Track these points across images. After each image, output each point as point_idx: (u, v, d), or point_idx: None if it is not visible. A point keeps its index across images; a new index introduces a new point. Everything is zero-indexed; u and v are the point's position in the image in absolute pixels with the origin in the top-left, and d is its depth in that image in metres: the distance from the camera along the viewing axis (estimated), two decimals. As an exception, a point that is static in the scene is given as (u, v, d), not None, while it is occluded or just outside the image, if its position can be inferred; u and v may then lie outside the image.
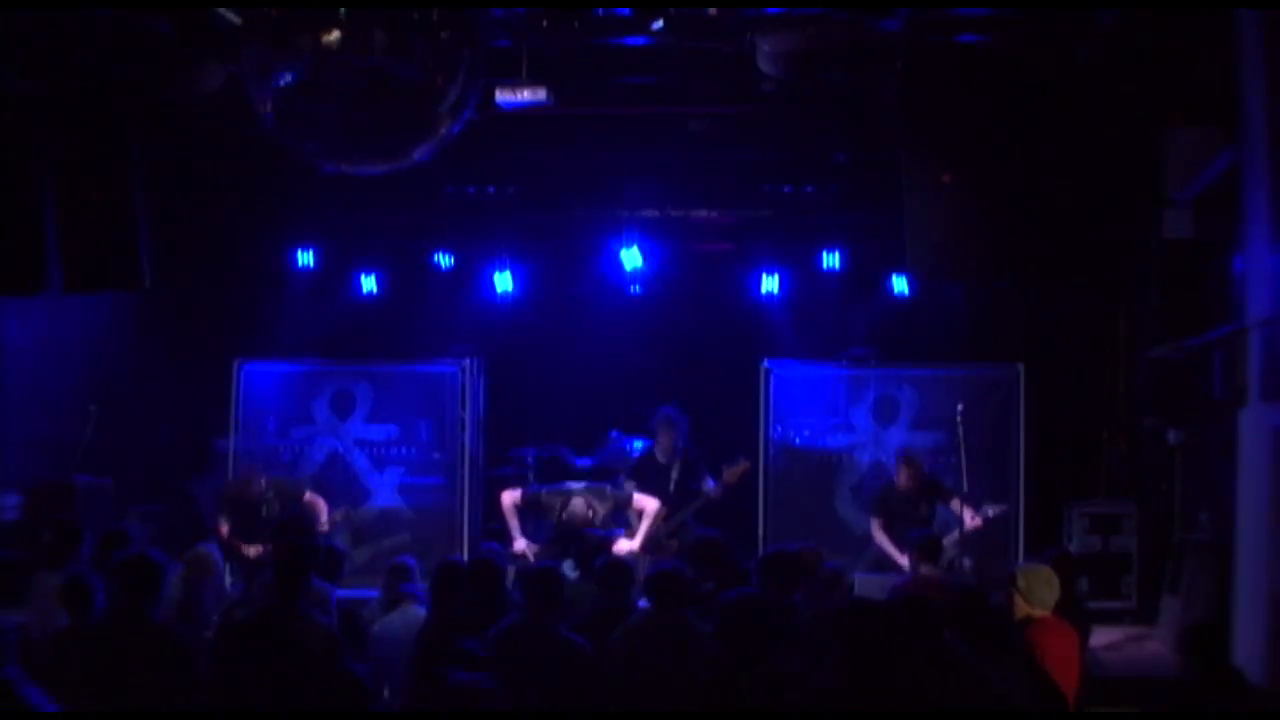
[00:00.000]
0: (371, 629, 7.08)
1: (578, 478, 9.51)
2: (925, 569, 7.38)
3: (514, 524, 9.25)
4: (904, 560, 9.04)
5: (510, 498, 9.32)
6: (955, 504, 9.17)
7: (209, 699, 5.80)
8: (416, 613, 6.95)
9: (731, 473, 9.81)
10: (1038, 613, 6.16)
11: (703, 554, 7.23)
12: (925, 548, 7.50)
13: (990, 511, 9.36)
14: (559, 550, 9.05)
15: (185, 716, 5.77)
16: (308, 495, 9.79)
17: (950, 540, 8.74)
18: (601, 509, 9.09)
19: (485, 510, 11.50)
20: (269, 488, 9.59)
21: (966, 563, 8.90)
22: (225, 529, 9.40)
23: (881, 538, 9.45)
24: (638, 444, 10.63)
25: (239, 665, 5.81)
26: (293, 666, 5.69)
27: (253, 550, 9.22)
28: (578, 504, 8.93)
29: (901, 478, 9.48)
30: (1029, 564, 7.01)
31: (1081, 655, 6.37)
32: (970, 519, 9.19)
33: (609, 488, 9.40)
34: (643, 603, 6.63)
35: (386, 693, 6.70)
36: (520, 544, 9.16)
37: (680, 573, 6.36)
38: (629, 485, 9.88)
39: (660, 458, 10.07)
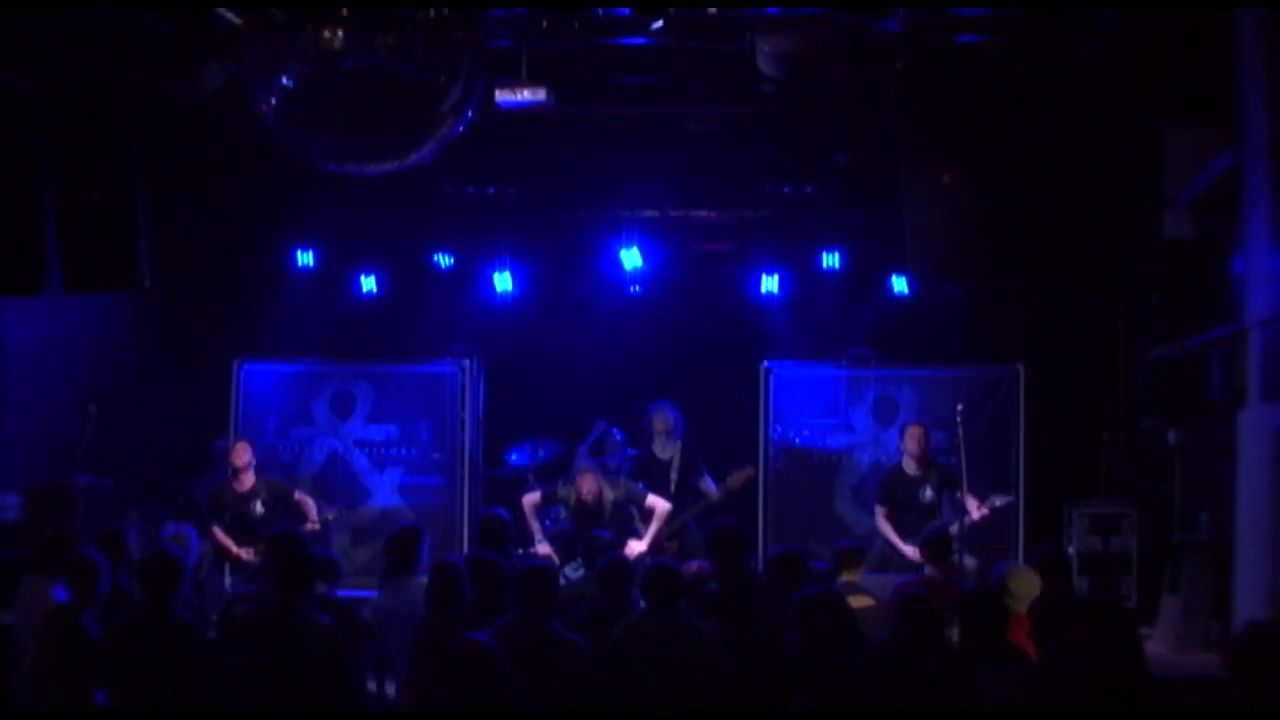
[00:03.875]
0: (377, 600, 7.14)
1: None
2: (931, 570, 7.35)
3: (535, 527, 9.40)
4: (907, 549, 9.12)
5: (530, 500, 9.48)
6: (960, 495, 9.20)
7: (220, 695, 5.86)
8: (421, 583, 6.98)
9: (735, 478, 9.85)
10: (1022, 609, 6.23)
11: (720, 542, 7.22)
12: (935, 547, 7.44)
13: (998, 501, 9.39)
14: (570, 550, 9.13)
15: (197, 716, 5.81)
16: (297, 494, 9.80)
17: (952, 531, 8.76)
18: (612, 493, 9.15)
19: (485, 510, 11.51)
20: (259, 487, 9.61)
21: (970, 562, 8.89)
22: (218, 531, 9.41)
23: (885, 526, 9.48)
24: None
25: (245, 661, 5.86)
26: (293, 667, 5.73)
27: (245, 553, 9.24)
28: (589, 479, 9.03)
29: (909, 444, 9.49)
30: (1013, 565, 7.07)
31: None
32: (977, 509, 9.20)
33: (622, 478, 9.46)
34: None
35: (391, 689, 6.72)
36: (544, 547, 9.27)
37: (675, 569, 6.38)
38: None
39: (659, 453, 10.10)
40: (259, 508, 9.54)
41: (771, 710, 5.84)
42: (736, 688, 5.99)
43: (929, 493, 9.43)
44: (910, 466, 9.53)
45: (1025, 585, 6.48)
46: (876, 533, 9.70)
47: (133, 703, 5.70)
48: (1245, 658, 4.58)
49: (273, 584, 6.72)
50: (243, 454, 9.64)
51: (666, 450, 10.11)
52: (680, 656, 5.96)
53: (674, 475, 10.00)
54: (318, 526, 9.52)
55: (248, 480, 9.62)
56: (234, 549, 9.31)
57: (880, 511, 9.58)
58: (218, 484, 9.79)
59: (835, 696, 5.44)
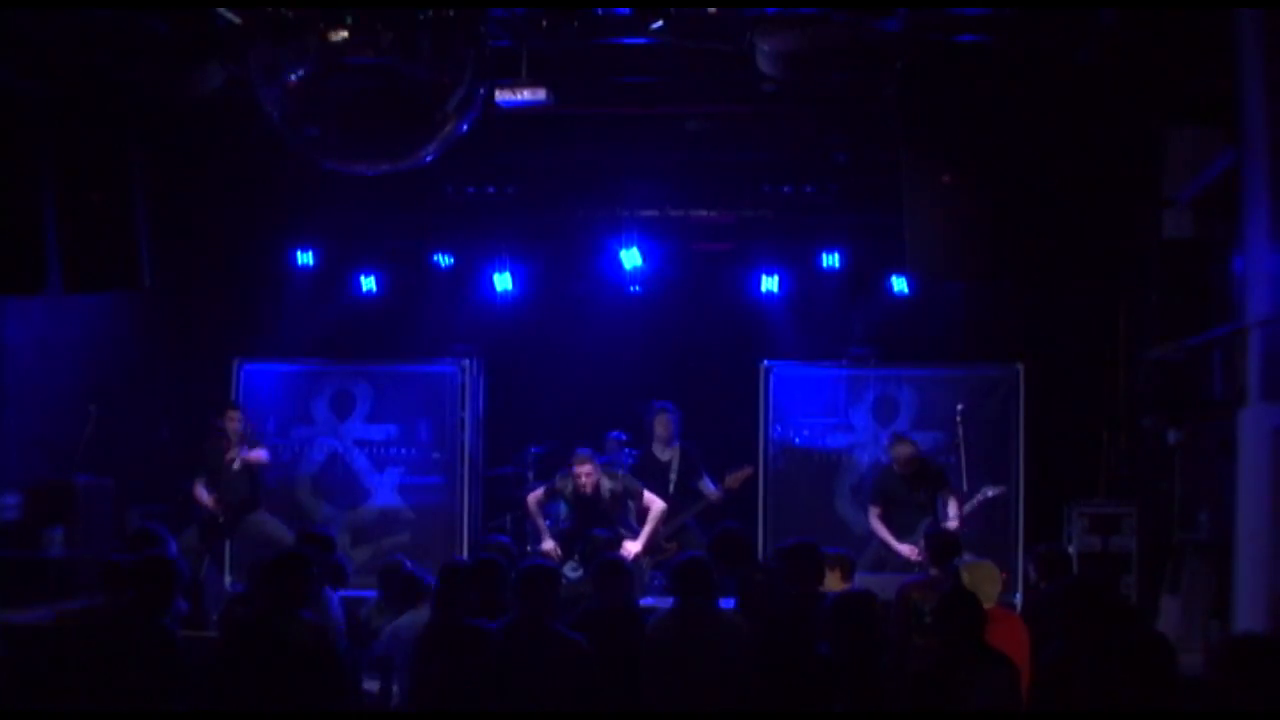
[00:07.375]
0: (387, 627, 7.10)
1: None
2: (936, 571, 7.32)
3: (541, 524, 9.42)
4: (902, 549, 9.19)
5: (534, 498, 9.53)
6: (944, 495, 9.26)
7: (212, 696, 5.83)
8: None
9: (734, 478, 9.87)
10: (985, 606, 6.22)
11: (724, 547, 7.23)
12: (941, 548, 7.40)
13: (990, 492, 9.41)
14: (568, 550, 9.14)
15: (186, 716, 5.79)
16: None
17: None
18: (610, 483, 9.19)
19: (485, 510, 11.52)
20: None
21: (968, 561, 8.89)
22: (198, 487, 9.77)
23: (879, 526, 9.51)
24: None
25: (240, 664, 5.84)
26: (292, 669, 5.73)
27: (209, 499, 9.42)
28: (587, 467, 9.10)
29: (898, 455, 9.50)
30: (972, 559, 7.07)
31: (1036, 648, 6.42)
32: (956, 514, 9.27)
33: (621, 471, 9.49)
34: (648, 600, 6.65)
35: (396, 689, 6.71)
36: (549, 543, 9.32)
37: (706, 563, 6.41)
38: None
39: (658, 454, 10.10)
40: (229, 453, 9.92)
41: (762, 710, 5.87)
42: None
43: (922, 493, 9.46)
44: (901, 461, 9.56)
45: (987, 580, 6.51)
46: (874, 533, 9.71)
47: (104, 703, 5.66)
48: None
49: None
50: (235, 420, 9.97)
51: (666, 452, 10.12)
52: (715, 649, 6.03)
53: (673, 476, 10.01)
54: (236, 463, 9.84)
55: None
56: (204, 499, 9.66)
57: (874, 511, 9.60)
58: (210, 442, 10.05)
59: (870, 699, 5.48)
